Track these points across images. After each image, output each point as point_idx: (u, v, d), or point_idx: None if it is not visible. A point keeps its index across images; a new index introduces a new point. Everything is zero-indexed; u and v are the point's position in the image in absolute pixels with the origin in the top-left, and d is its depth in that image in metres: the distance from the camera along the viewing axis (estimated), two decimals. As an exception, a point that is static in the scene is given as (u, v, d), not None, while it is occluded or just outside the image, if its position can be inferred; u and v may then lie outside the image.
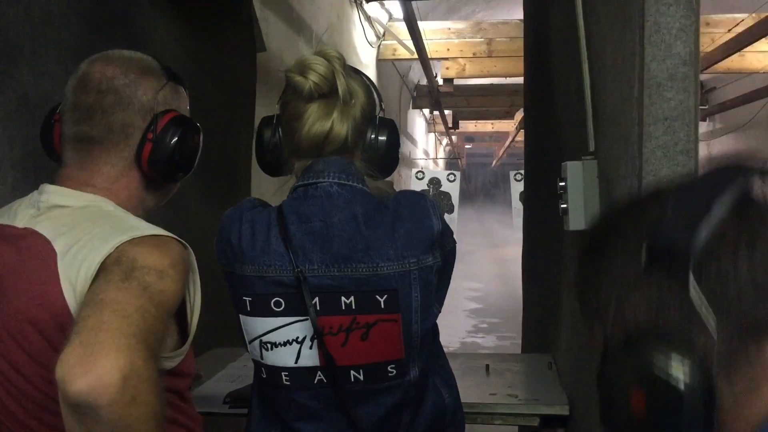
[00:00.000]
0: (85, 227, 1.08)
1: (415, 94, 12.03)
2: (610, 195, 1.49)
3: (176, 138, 1.20)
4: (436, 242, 1.26)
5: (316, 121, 1.25)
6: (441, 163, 21.48)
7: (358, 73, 1.35)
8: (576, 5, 1.65)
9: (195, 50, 2.50)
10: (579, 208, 1.66)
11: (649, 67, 1.08)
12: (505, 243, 16.54)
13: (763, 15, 5.66)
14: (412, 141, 13.63)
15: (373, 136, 1.32)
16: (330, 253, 1.21)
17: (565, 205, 1.67)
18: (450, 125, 12.87)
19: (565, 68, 2.00)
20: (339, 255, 1.21)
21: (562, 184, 1.67)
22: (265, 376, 1.29)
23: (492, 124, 15.88)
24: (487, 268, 15.00)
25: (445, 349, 1.44)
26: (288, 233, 1.22)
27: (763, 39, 6.33)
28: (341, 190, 1.24)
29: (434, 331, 1.34)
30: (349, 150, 1.29)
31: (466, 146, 26.77)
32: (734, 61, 7.51)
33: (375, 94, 1.36)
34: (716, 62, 6.64)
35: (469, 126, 16.67)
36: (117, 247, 1.02)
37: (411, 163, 12.84)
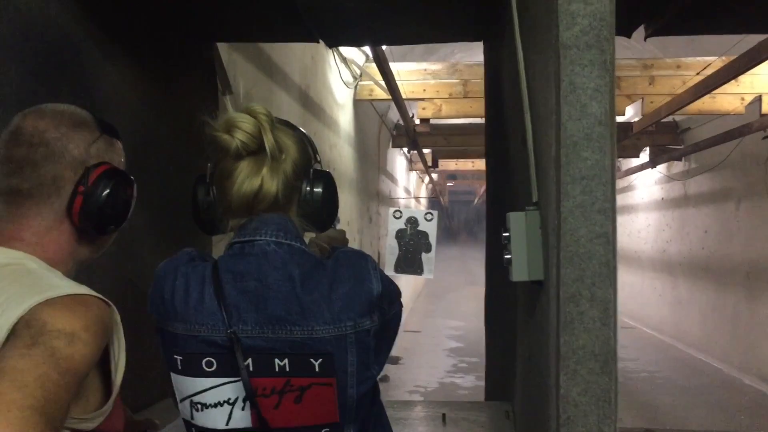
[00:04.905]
0: (2, 287, 1.06)
1: (394, 133, 12.11)
2: (549, 247, 1.48)
3: (107, 190, 1.20)
4: (374, 305, 1.23)
5: (246, 178, 1.24)
6: (423, 201, 21.54)
7: (290, 127, 1.34)
8: (518, 57, 1.66)
9: (151, 96, 2.50)
10: (522, 259, 1.64)
11: (565, 127, 1.08)
12: (487, 281, 16.53)
13: (731, 57, 5.75)
14: (393, 179, 13.67)
15: (308, 188, 1.31)
16: (265, 313, 1.18)
17: (509, 256, 1.66)
18: (429, 164, 12.94)
19: (515, 117, 2.01)
20: (274, 316, 1.18)
21: (506, 234, 1.67)
22: None
23: (472, 162, 15.99)
24: (469, 306, 14.96)
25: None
26: (222, 291, 1.20)
27: (733, 81, 6.44)
28: (278, 248, 1.22)
29: (374, 392, 1.31)
30: (281, 206, 1.27)
31: (448, 184, 26.89)
32: (705, 103, 7.62)
33: (309, 147, 1.35)
34: (687, 104, 6.72)
35: (450, 164, 16.78)
36: (30, 309, 1.01)
37: (391, 201, 12.86)
